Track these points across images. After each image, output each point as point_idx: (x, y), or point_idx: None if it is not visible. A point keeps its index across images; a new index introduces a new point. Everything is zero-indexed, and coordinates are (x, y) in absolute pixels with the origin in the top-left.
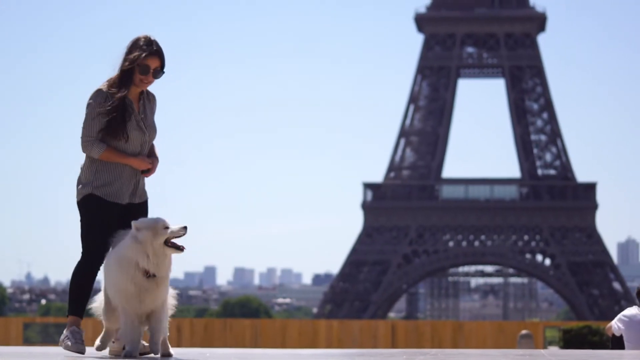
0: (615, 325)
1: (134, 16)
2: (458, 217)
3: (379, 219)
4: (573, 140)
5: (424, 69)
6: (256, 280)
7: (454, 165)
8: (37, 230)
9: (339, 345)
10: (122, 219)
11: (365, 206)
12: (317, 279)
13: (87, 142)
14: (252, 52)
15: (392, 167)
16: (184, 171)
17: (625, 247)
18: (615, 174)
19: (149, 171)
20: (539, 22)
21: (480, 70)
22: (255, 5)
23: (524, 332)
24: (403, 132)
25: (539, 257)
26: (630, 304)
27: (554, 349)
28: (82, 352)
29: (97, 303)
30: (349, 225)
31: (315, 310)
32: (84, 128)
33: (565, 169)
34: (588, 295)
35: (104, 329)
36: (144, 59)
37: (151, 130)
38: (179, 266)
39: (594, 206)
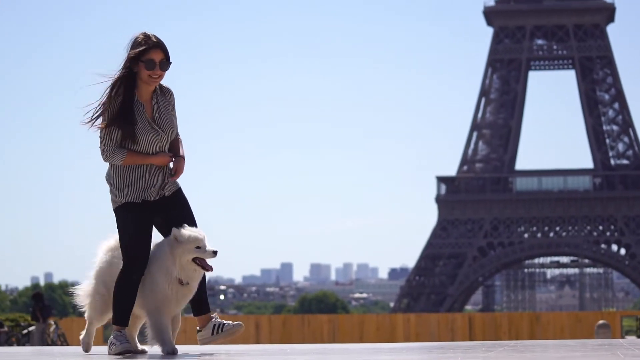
0: None
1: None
2: (532, 209)
3: (454, 212)
4: None
5: (494, 62)
6: (332, 276)
7: (527, 157)
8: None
9: (417, 339)
10: (155, 213)
11: (439, 200)
12: (393, 273)
13: (106, 152)
14: (339, 46)
15: (465, 160)
16: (258, 168)
17: None
18: None
19: (175, 174)
20: (608, 12)
21: (551, 62)
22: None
23: (601, 322)
24: (475, 125)
25: (614, 247)
26: None
27: (632, 338)
28: (129, 350)
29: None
30: (423, 219)
31: (392, 304)
32: (101, 138)
33: (638, 159)
34: None
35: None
36: (147, 54)
37: (168, 128)
38: (256, 263)
39: None
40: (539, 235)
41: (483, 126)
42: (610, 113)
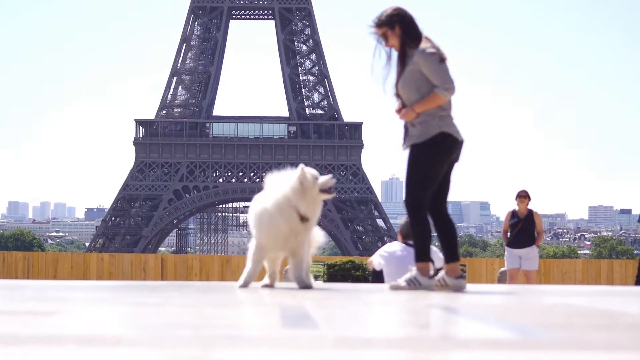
0: (376, 260)
1: None
2: (228, 154)
3: (151, 155)
4: (341, 81)
5: (196, 9)
6: (30, 214)
7: (225, 104)
8: None
9: (110, 278)
10: None
11: (137, 142)
12: (90, 213)
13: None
14: None
15: (164, 105)
16: None
17: (390, 185)
18: (380, 114)
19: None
20: None
21: (252, 11)
22: None
23: (288, 267)
24: (175, 71)
25: None
26: (393, 240)
27: (318, 282)
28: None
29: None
30: (121, 161)
31: (87, 243)
32: (446, 74)
33: (332, 109)
34: (353, 231)
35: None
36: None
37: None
38: None
39: (359, 145)
40: (233, 180)
41: (183, 72)
42: (307, 64)
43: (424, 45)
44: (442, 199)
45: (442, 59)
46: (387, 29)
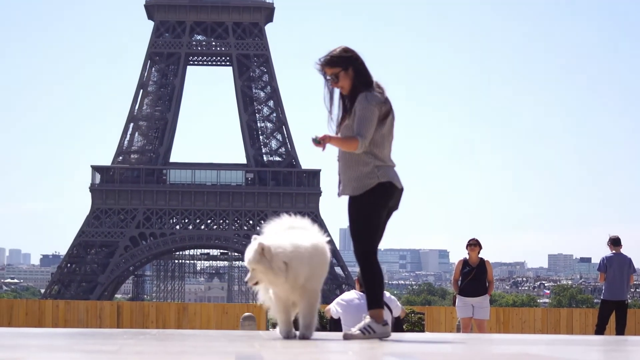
0: (334, 308)
1: None
2: (185, 201)
3: (107, 201)
4: (298, 128)
5: (153, 55)
6: None
7: (182, 150)
8: None
9: (65, 325)
10: None
11: (93, 189)
12: (46, 259)
13: None
14: None
15: (120, 151)
16: None
17: (348, 233)
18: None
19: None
20: (267, 12)
21: (209, 57)
22: None
23: (246, 314)
24: (132, 117)
25: None
26: (351, 288)
27: (274, 332)
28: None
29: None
30: (78, 207)
31: (43, 290)
32: (368, 126)
33: (290, 156)
34: None
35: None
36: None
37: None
38: None
39: (317, 193)
40: (190, 227)
41: (140, 118)
42: (265, 110)
43: (370, 92)
44: None
45: (381, 114)
46: (340, 69)
